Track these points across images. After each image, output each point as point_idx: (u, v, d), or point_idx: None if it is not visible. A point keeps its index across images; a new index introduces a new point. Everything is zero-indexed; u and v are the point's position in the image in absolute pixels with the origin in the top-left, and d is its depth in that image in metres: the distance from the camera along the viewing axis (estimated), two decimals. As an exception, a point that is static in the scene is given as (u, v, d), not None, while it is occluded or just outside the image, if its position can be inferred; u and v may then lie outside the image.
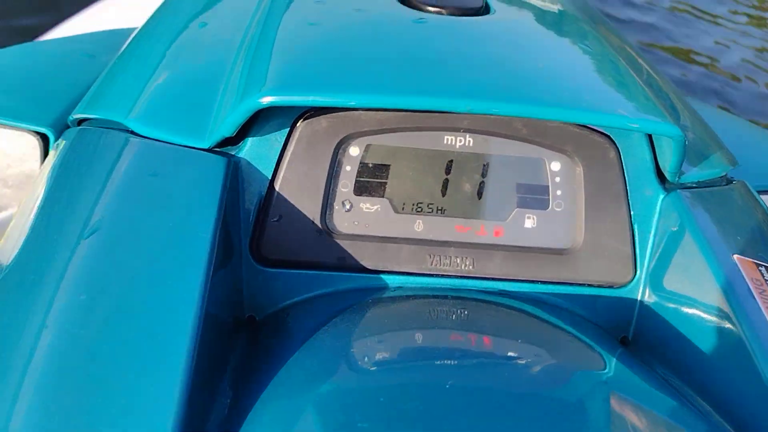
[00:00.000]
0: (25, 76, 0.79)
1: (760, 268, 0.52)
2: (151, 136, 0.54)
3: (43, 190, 0.53)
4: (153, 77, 0.61)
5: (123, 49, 0.73)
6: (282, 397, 0.42)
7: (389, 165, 0.55)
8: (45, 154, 0.70)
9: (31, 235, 0.49)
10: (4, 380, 0.38)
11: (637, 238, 0.57)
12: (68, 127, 0.67)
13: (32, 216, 0.50)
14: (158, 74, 0.61)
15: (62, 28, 1.28)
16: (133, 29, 0.84)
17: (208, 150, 0.53)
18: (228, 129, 0.52)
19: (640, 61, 0.72)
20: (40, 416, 0.36)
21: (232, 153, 0.54)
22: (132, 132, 0.55)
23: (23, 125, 0.70)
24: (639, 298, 0.57)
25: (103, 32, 0.92)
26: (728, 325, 0.49)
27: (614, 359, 0.52)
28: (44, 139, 0.70)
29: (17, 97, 0.74)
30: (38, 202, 0.51)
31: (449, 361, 0.46)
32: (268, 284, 0.54)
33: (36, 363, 0.39)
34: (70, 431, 0.36)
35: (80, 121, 0.63)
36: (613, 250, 0.57)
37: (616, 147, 0.57)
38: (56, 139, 0.69)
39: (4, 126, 0.69)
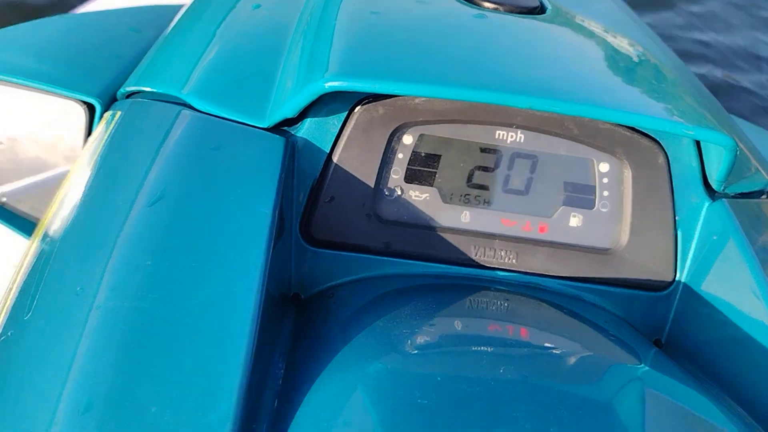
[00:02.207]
0: (70, 46, 0.79)
1: None
2: (208, 112, 0.55)
3: (98, 161, 0.53)
4: (208, 54, 0.61)
5: (173, 25, 0.73)
6: (334, 372, 0.43)
7: (440, 155, 0.56)
8: (90, 123, 0.71)
9: (87, 205, 0.49)
10: (63, 347, 0.38)
11: (679, 244, 0.58)
12: (116, 99, 0.68)
13: (89, 186, 0.50)
14: (214, 51, 0.61)
15: (94, 3, 1.28)
16: (177, 7, 0.84)
17: (267, 129, 0.54)
18: (290, 110, 0.52)
19: (685, 69, 0.73)
20: (102, 379, 0.37)
21: (290, 133, 0.55)
22: (189, 106, 0.56)
23: (71, 94, 0.70)
24: (676, 302, 0.58)
25: (148, 7, 0.92)
26: (764, 336, 0.50)
27: (649, 360, 0.52)
28: (90, 110, 0.70)
29: (63, 66, 0.74)
30: (94, 173, 0.52)
31: (491, 349, 0.47)
32: (315, 264, 0.55)
33: (94, 328, 0.39)
34: (134, 392, 0.36)
35: (129, 95, 0.63)
36: (655, 254, 0.58)
37: (665, 152, 0.57)
38: (103, 110, 0.69)
39: (52, 93, 0.70)
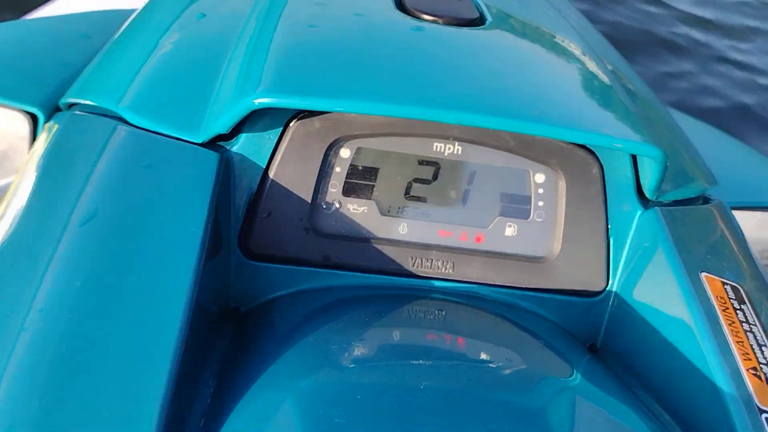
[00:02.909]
0: (17, 54, 0.79)
1: (725, 286, 0.54)
2: (143, 127, 0.55)
3: (34, 176, 0.53)
4: (147, 66, 0.61)
5: (118, 34, 0.73)
6: (263, 389, 0.43)
7: (378, 168, 0.57)
8: (33, 132, 0.71)
9: (21, 222, 0.49)
10: None
11: (611, 251, 0.59)
12: (59, 109, 0.68)
13: (23, 203, 0.51)
14: (153, 63, 0.61)
15: (53, 5, 1.27)
16: (130, 11, 0.84)
17: (201, 144, 0.54)
18: (222, 126, 0.53)
19: (627, 75, 0.74)
20: (23, 402, 0.37)
21: (225, 148, 0.55)
22: (124, 121, 0.56)
23: (13, 104, 0.69)
24: (609, 307, 0.60)
25: (99, 12, 0.91)
26: (690, 340, 0.51)
27: (581, 365, 0.54)
28: (33, 119, 0.70)
29: (8, 74, 0.73)
30: (32, 188, 0.52)
31: (422, 361, 0.48)
32: (254, 277, 0.56)
33: (22, 349, 0.39)
34: (56, 415, 0.37)
35: (71, 105, 0.63)
36: (588, 261, 0.59)
37: (600, 163, 0.58)
38: (46, 120, 0.69)
39: (-5, 103, 0.69)
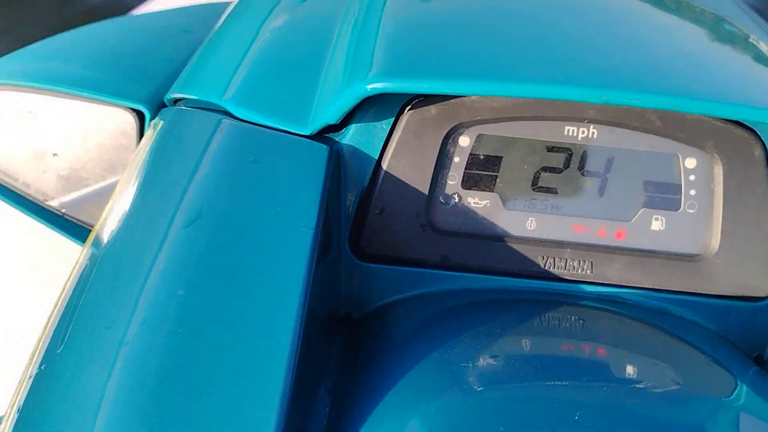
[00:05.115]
0: (121, 51, 0.78)
1: None
2: (249, 120, 0.51)
3: (142, 174, 0.51)
4: (250, 56, 0.58)
5: (218, 26, 0.70)
6: (387, 412, 0.39)
7: (501, 157, 0.51)
8: (141, 129, 0.70)
9: (124, 226, 0.47)
10: (95, 377, 0.36)
11: None
12: (164, 104, 0.66)
13: (131, 202, 0.49)
14: (255, 53, 0.58)
15: (153, 3, 1.29)
16: (228, 3, 0.82)
17: (310, 137, 0.50)
18: (332, 116, 0.48)
19: None
20: (126, 427, 0.34)
21: (335, 140, 0.51)
22: (230, 114, 0.53)
23: (120, 101, 0.69)
24: None
25: (199, 6, 0.90)
26: None
27: (747, 379, 0.46)
28: (140, 116, 0.69)
29: (113, 72, 0.73)
30: (137, 187, 0.50)
31: (570, 382, 0.42)
32: (366, 280, 0.51)
33: (122, 366, 0.37)
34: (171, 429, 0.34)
35: (177, 100, 0.61)
36: (753, 259, 0.51)
37: (763, 143, 0.50)
38: (152, 116, 0.68)
39: (101, 102, 0.69)
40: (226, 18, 0.70)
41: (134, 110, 0.69)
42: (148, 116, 0.68)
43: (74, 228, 0.77)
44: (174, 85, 0.63)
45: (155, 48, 0.79)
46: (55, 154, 0.75)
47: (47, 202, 0.77)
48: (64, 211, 0.77)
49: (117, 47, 0.79)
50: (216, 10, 0.85)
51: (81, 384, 0.36)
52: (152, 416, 0.34)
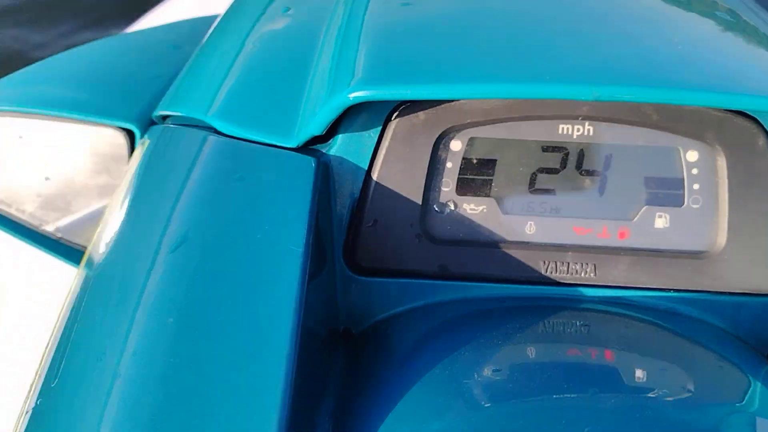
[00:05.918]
0: (110, 71, 0.78)
1: None
2: (234, 135, 0.50)
3: (128, 197, 0.50)
4: (234, 70, 0.57)
5: (203, 42, 0.69)
6: (388, 427, 0.37)
7: (496, 160, 0.49)
8: (131, 148, 0.69)
9: (117, 248, 0.46)
10: (89, 413, 0.35)
11: None
12: (153, 122, 0.65)
13: (119, 226, 0.48)
14: (239, 67, 0.57)
15: (146, 19, 1.28)
16: (216, 17, 0.81)
17: (296, 149, 0.48)
18: (317, 127, 0.47)
19: None
20: None
21: (322, 151, 0.49)
22: (215, 130, 0.51)
23: (108, 121, 0.68)
24: None
25: (187, 21, 0.90)
26: None
27: (761, 378, 0.44)
28: (130, 135, 0.68)
29: (102, 92, 0.72)
30: (124, 211, 0.49)
31: (573, 392, 0.40)
32: (363, 294, 0.50)
33: (116, 400, 0.35)
34: None
35: (165, 117, 0.60)
36: (762, 253, 0.49)
37: (766, 133, 0.48)
38: (142, 134, 0.67)
39: (90, 123, 0.68)
40: (212, 32, 0.69)
41: (124, 129, 0.68)
42: (138, 134, 0.67)
43: (71, 252, 0.76)
44: (161, 102, 0.63)
45: (145, 65, 0.78)
46: (47, 178, 0.74)
47: (43, 227, 0.76)
48: (60, 235, 0.76)
49: (106, 67, 0.79)
50: (205, 24, 0.84)
51: (75, 420, 0.35)
52: None
